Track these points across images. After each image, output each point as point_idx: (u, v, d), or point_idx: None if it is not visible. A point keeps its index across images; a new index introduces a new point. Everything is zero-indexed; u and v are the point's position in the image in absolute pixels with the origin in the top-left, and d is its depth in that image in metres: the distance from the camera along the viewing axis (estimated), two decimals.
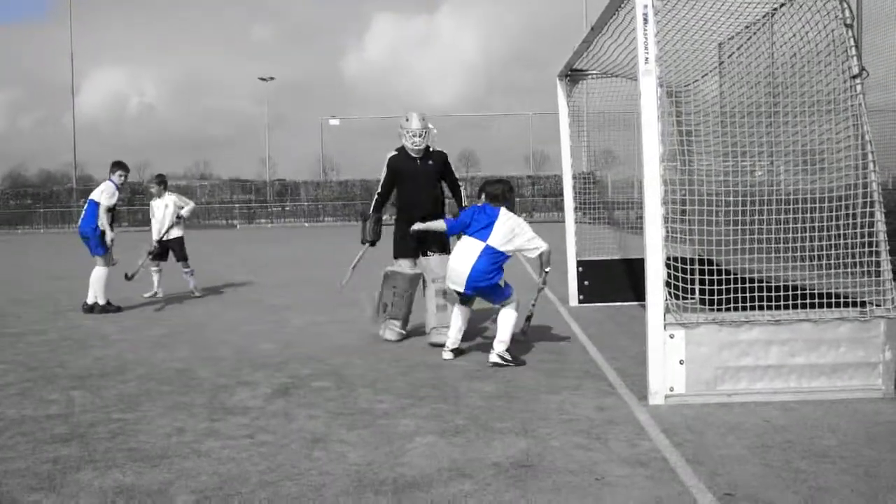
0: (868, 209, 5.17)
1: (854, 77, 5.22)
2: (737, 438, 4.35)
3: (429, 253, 7.36)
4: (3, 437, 4.67)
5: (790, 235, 5.47)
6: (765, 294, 5.27)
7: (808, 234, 5.39)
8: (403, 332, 7.53)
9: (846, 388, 5.11)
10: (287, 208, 50.17)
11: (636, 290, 9.27)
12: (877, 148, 5.31)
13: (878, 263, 5.16)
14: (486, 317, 8.13)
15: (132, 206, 45.42)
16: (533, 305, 6.79)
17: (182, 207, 11.39)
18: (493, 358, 6.26)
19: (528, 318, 6.65)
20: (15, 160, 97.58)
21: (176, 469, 4.04)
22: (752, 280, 5.36)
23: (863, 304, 5.17)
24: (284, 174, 65.68)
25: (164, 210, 11.41)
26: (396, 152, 7.39)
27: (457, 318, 6.63)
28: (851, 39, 5.23)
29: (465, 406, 5.15)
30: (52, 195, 50.31)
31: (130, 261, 11.54)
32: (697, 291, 5.40)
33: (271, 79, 59.84)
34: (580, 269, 9.76)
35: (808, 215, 5.42)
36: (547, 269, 6.56)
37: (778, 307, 5.18)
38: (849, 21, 5.20)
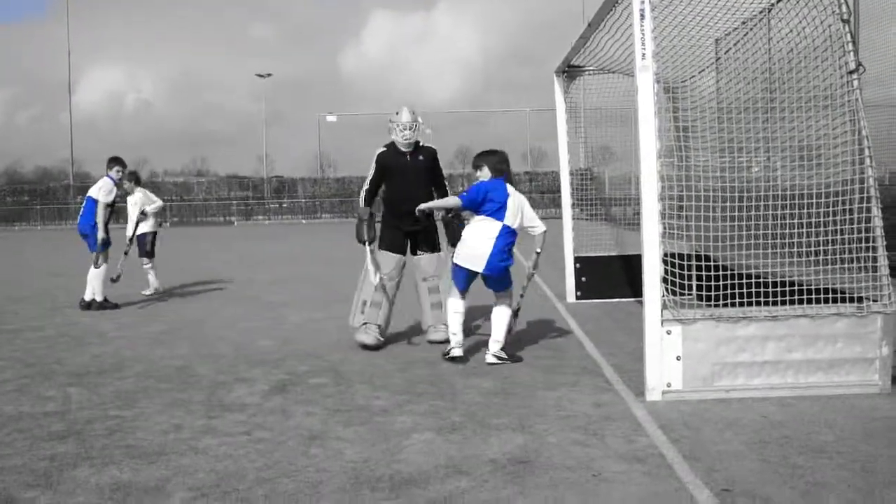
0: (865, 205, 5.17)
1: (851, 72, 5.22)
2: (734, 434, 4.36)
3: (419, 252, 7.28)
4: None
5: (787, 231, 5.47)
6: (762, 290, 5.28)
7: (804, 230, 5.39)
8: (381, 339, 7.07)
9: (843, 384, 5.12)
10: (284, 205, 50.12)
11: (633, 287, 9.26)
12: (873, 143, 5.31)
13: (874, 259, 5.16)
14: (480, 314, 8.12)
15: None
16: (521, 297, 6.77)
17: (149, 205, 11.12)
18: (490, 359, 6.23)
19: (516, 313, 6.62)
20: (12, 157, 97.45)
21: (173, 466, 4.04)
22: (749, 276, 5.37)
23: (860, 299, 5.18)
24: (282, 171, 65.83)
25: (133, 207, 11.14)
26: (385, 148, 7.25)
27: (458, 317, 6.38)
28: (848, 35, 5.23)
29: (462, 402, 5.15)
30: (48, 192, 50.19)
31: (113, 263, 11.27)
32: (694, 287, 5.40)
33: (269, 75, 59.76)
34: (577, 265, 9.76)
35: (805, 211, 5.42)
36: (539, 251, 6.48)
37: (775, 303, 5.18)
38: (846, 16, 5.20)
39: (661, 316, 5.05)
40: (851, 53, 5.23)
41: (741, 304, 5.22)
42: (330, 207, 48.09)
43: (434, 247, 7.33)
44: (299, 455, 4.17)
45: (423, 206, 6.63)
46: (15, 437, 4.58)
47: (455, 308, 6.38)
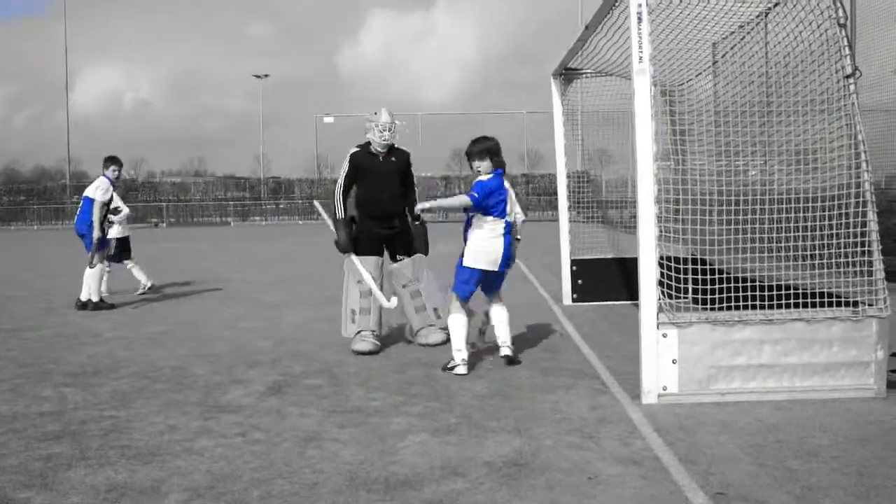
0: (861, 209, 5.18)
1: (847, 77, 5.23)
2: (729, 438, 4.36)
3: (398, 257, 7.23)
4: None
5: (783, 235, 5.48)
6: (758, 293, 5.28)
7: (801, 234, 5.40)
8: (378, 343, 6.94)
9: (838, 388, 5.13)
10: (281, 206, 50.13)
11: (630, 289, 9.27)
12: (869, 148, 5.33)
13: (870, 263, 5.17)
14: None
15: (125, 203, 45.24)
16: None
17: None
18: (507, 351, 6.24)
19: (487, 314, 6.56)
20: (9, 156, 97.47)
21: (168, 467, 4.03)
22: (745, 279, 5.37)
23: (855, 303, 5.19)
24: (279, 171, 65.78)
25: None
26: (358, 148, 7.13)
27: (464, 332, 6.15)
28: (845, 39, 5.24)
29: (458, 405, 5.15)
30: (45, 191, 50.16)
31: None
32: (690, 290, 5.41)
33: (266, 76, 59.80)
34: (574, 267, 9.76)
35: (801, 215, 5.43)
36: (519, 237, 6.39)
37: (771, 306, 5.19)
38: (842, 21, 5.21)
39: (658, 319, 5.06)
40: (848, 57, 5.24)
41: (737, 308, 5.23)
42: (327, 208, 48.04)
43: (410, 251, 7.27)
44: (295, 456, 4.17)
45: (426, 204, 6.27)
46: (10, 438, 4.57)
47: (461, 323, 6.11)
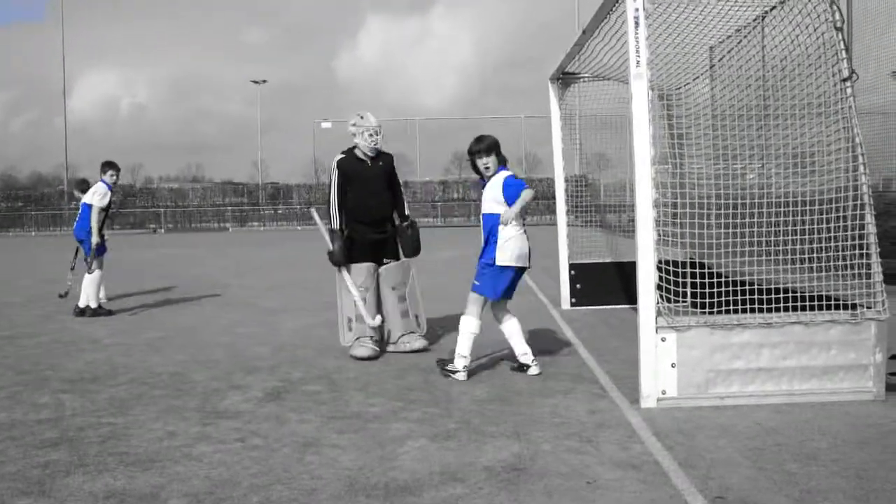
0: (858, 212, 5.19)
1: (844, 80, 5.24)
2: (728, 441, 4.36)
3: (385, 261, 7.19)
4: None
5: (781, 238, 5.48)
6: (756, 297, 5.28)
7: (799, 237, 5.40)
8: (377, 349, 6.91)
9: (837, 391, 5.13)
10: (279, 211, 50.10)
11: (628, 293, 9.28)
12: (867, 150, 5.33)
13: (868, 266, 5.17)
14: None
15: (122, 210, 45.31)
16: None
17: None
18: (536, 370, 6.09)
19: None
20: (6, 162, 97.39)
21: (167, 473, 4.02)
22: (743, 283, 5.37)
23: (853, 306, 5.19)
24: (277, 177, 65.71)
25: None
26: (344, 154, 7.05)
27: (473, 339, 6.05)
28: (841, 42, 5.25)
29: (457, 410, 5.14)
30: (43, 197, 50.10)
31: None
32: (689, 294, 5.40)
33: (264, 81, 59.82)
34: (572, 272, 9.77)
35: (799, 218, 5.43)
36: None
37: (769, 310, 5.19)
38: (839, 24, 5.22)
39: (656, 323, 5.06)
40: (844, 61, 5.25)
41: (736, 312, 5.23)
42: (325, 214, 48.01)
43: (397, 254, 7.25)
44: (294, 462, 4.16)
45: (511, 212, 5.77)
46: (8, 445, 4.56)
47: (473, 329, 6.01)
